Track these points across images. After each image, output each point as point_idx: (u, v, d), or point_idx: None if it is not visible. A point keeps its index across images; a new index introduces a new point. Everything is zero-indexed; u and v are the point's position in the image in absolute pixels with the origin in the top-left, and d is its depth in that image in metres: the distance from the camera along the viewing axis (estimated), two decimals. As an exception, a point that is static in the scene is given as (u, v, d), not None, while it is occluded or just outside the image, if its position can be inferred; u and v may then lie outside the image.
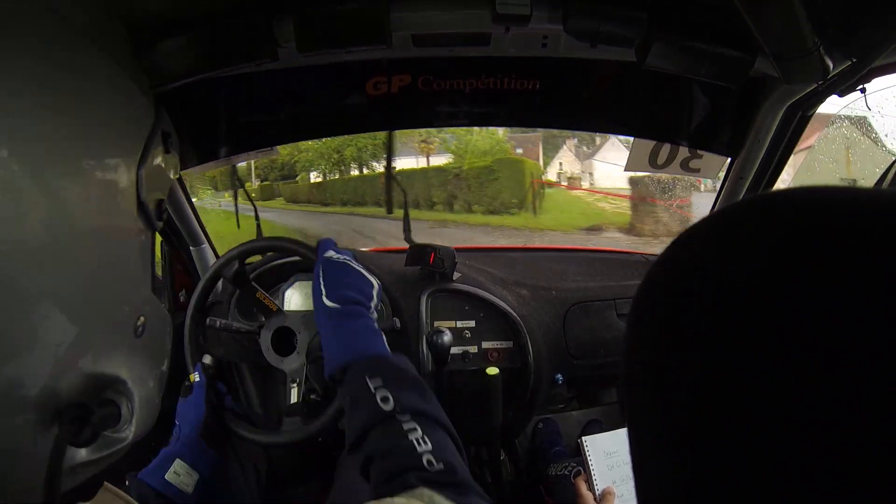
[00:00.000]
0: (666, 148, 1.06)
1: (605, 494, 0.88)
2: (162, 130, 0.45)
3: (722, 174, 1.07)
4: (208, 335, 0.99)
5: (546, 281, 1.29)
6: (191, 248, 1.26)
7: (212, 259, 1.29)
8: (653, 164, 1.09)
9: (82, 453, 0.33)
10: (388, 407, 0.58)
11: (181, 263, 1.28)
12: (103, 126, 0.37)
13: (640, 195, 6.90)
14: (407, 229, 1.39)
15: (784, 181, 1.05)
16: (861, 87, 0.73)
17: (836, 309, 0.16)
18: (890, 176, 0.57)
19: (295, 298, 1.21)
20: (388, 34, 0.71)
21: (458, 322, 1.16)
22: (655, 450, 0.21)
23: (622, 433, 0.93)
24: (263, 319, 1.01)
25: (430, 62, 0.94)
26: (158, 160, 0.43)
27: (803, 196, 0.19)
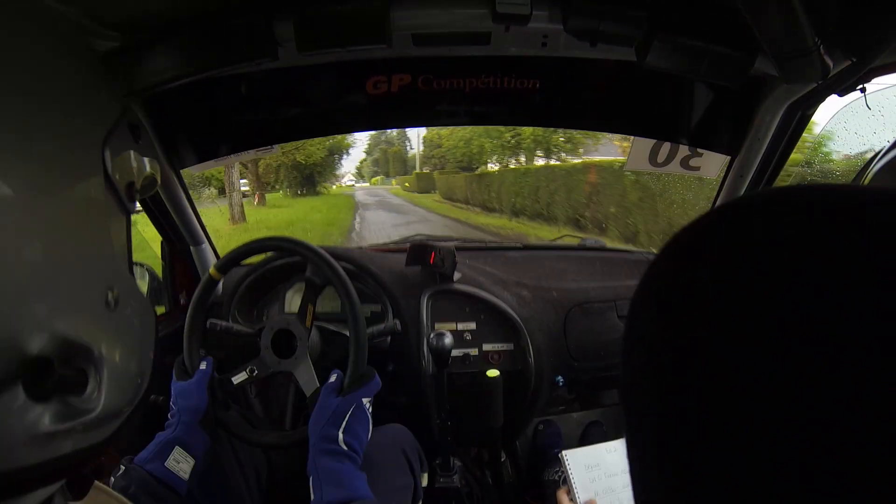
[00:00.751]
0: (666, 146, 1.07)
1: None
2: (129, 122, 0.47)
3: (722, 173, 1.08)
4: (208, 338, 0.99)
5: (547, 281, 1.29)
6: (191, 247, 1.26)
7: (212, 258, 1.29)
8: (653, 162, 1.09)
9: (45, 421, 0.33)
10: None
11: (181, 264, 1.28)
12: (61, 110, 0.39)
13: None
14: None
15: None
16: (861, 86, 0.73)
17: (839, 307, 0.16)
18: (869, 175, 0.57)
19: (296, 299, 1.21)
20: (388, 33, 0.71)
21: (458, 324, 1.16)
22: (654, 453, 0.21)
23: (603, 447, 0.94)
24: (264, 321, 1.01)
25: (430, 61, 0.94)
26: (125, 147, 0.45)
27: (803, 194, 0.19)
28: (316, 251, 0.96)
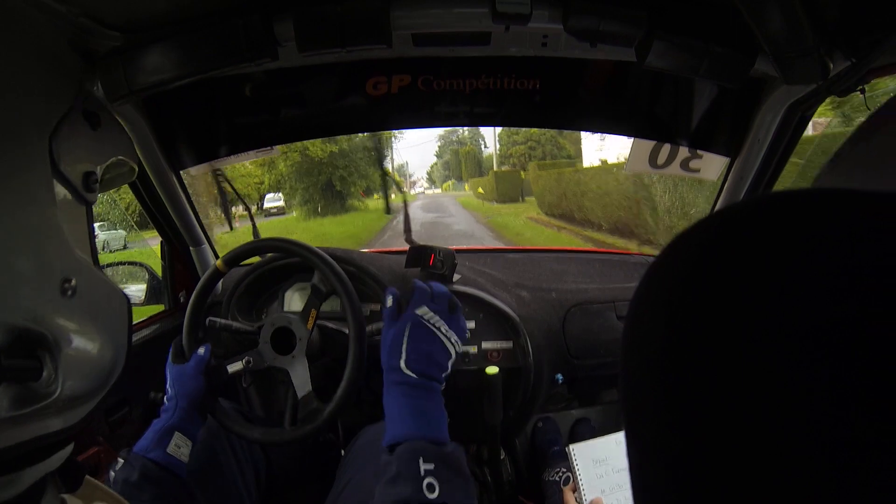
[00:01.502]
0: (666, 148, 1.07)
1: None
2: (85, 110, 0.46)
3: (722, 175, 1.08)
4: (208, 336, 0.99)
5: (546, 282, 1.29)
6: (191, 248, 1.26)
7: (211, 259, 1.29)
8: (653, 164, 1.09)
9: (3, 404, 0.34)
10: (432, 495, 0.57)
11: (181, 263, 1.29)
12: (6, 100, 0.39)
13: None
14: (407, 230, 1.40)
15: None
16: (861, 87, 0.73)
17: (837, 309, 0.16)
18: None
19: (295, 299, 1.21)
20: (388, 34, 0.71)
21: None
22: (654, 455, 0.21)
23: (611, 440, 0.92)
24: (263, 320, 1.01)
25: (430, 62, 0.94)
26: (80, 135, 0.44)
27: (806, 196, 0.19)
28: (316, 252, 0.96)
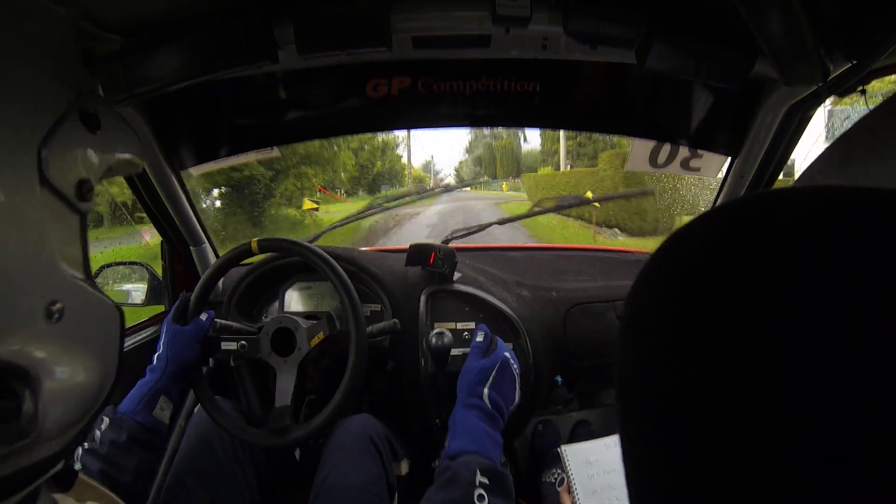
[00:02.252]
0: (666, 148, 1.06)
1: None
2: (81, 112, 0.42)
3: (722, 174, 1.08)
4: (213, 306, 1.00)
5: (546, 281, 1.29)
6: (191, 247, 1.26)
7: (212, 259, 1.29)
8: (653, 163, 1.09)
9: None
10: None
11: (181, 264, 1.29)
12: None
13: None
14: None
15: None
16: (861, 88, 0.73)
17: (840, 308, 0.16)
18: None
19: (295, 299, 1.21)
20: (388, 36, 0.71)
21: (458, 323, 1.16)
22: (651, 455, 0.21)
23: (602, 442, 0.93)
24: (264, 320, 1.01)
25: (430, 64, 0.94)
26: (76, 141, 0.41)
27: (803, 194, 0.19)
28: (317, 252, 0.96)
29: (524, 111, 1.01)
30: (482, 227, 1.39)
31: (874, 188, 0.18)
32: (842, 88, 0.71)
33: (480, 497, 0.65)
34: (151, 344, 1.17)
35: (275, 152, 1.10)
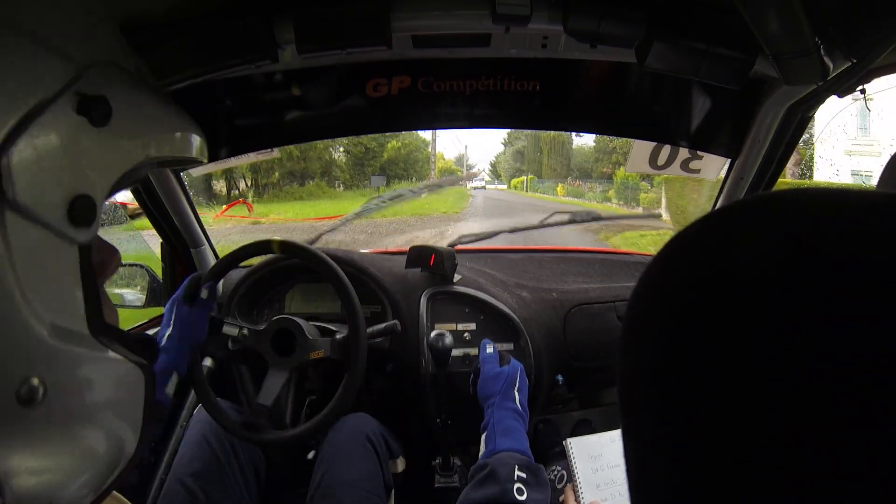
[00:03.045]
0: (666, 149, 1.07)
1: None
2: (81, 94, 0.30)
3: (722, 175, 1.08)
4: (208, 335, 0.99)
5: (547, 282, 1.29)
6: (191, 249, 1.26)
7: (212, 260, 1.29)
8: (653, 164, 1.09)
9: None
10: (521, 497, 0.67)
11: (181, 265, 1.28)
12: None
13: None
14: None
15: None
16: (861, 87, 0.73)
17: (841, 311, 0.16)
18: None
19: (295, 300, 1.21)
20: (388, 36, 0.71)
21: (458, 324, 1.16)
22: (653, 456, 0.20)
23: (607, 436, 0.93)
24: (264, 321, 1.01)
25: (430, 63, 0.94)
26: (65, 139, 0.29)
27: (804, 196, 0.19)
28: (316, 254, 0.96)
29: (524, 111, 1.01)
30: (489, 235, 1.41)
31: (876, 191, 0.18)
32: (842, 87, 0.71)
33: (519, 491, 0.68)
34: None
35: (275, 153, 1.10)
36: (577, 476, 0.88)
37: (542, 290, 1.25)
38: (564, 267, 1.39)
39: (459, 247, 1.41)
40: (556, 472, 1.01)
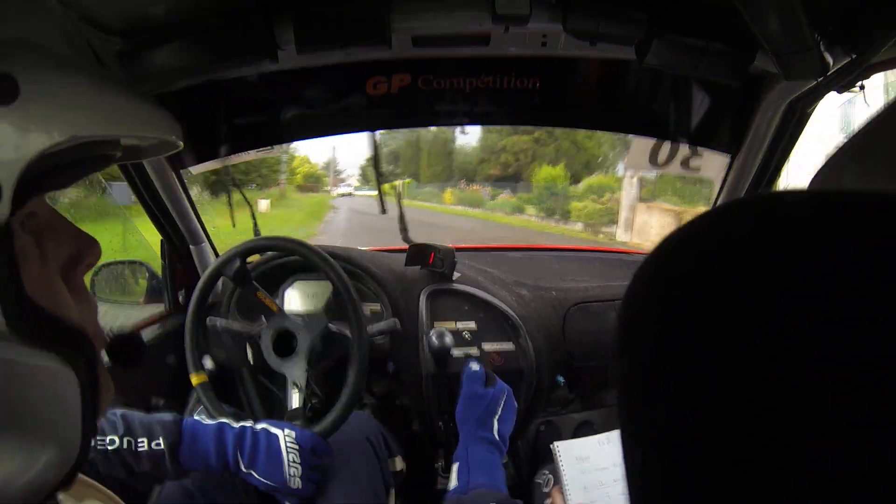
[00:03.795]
0: (666, 146, 1.07)
1: None
2: None
3: (722, 172, 1.08)
4: (209, 336, 0.99)
5: (546, 281, 1.29)
6: (191, 246, 1.26)
7: (212, 258, 1.29)
8: (653, 162, 1.09)
9: None
10: None
11: (181, 262, 1.29)
12: None
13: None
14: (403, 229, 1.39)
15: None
16: (860, 83, 0.73)
17: (840, 310, 0.16)
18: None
19: (295, 299, 1.21)
20: (387, 35, 0.71)
21: (458, 323, 1.16)
22: (652, 457, 0.20)
23: (595, 439, 0.94)
24: (264, 321, 1.01)
25: (431, 62, 0.94)
26: None
27: (804, 196, 0.19)
28: (316, 252, 0.96)
29: (524, 109, 1.01)
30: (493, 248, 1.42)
31: (872, 191, 0.18)
32: (842, 83, 0.71)
33: None
34: (153, 345, 1.17)
35: (274, 151, 1.10)
36: (564, 478, 0.89)
37: (541, 289, 1.25)
38: (564, 265, 1.39)
39: (457, 245, 1.41)
40: (544, 476, 1.02)
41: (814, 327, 0.16)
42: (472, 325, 1.16)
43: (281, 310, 1.08)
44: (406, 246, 1.24)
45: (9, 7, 0.31)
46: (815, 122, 0.90)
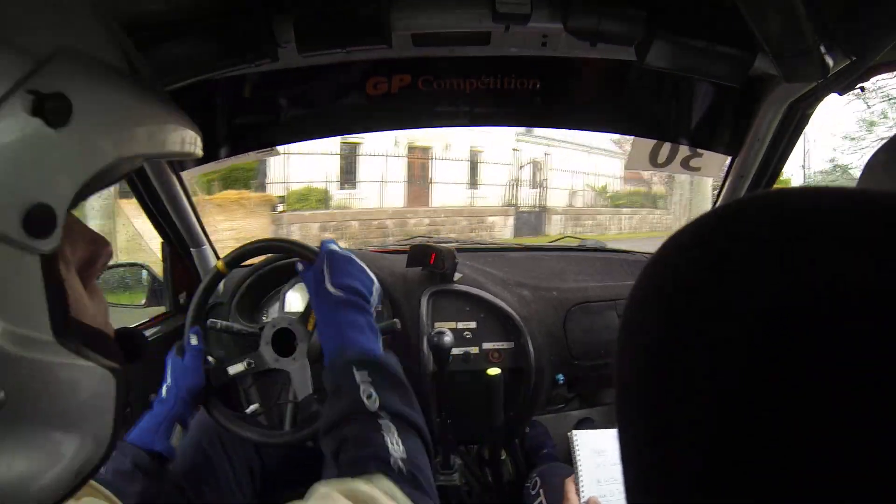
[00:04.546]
0: (666, 147, 1.07)
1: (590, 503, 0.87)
2: (35, 92, 0.26)
3: (722, 173, 1.08)
4: (209, 337, 0.99)
5: (547, 281, 1.29)
6: (191, 249, 1.26)
7: (212, 260, 1.29)
8: (653, 162, 1.09)
9: None
10: (371, 403, 0.57)
11: (182, 265, 1.29)
12: None
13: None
14: None
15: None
16: (860, 85, 0.73)
17: (840, 315, 0.16)
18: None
19: (295, 300, 1.21)
20: (388, 34, 0.71)
21: (458, 323, 1.16)
22: (650, 457, 0.20)
23: (613, 432, 0.92)
24: (264, 321, 1.01)
25: (431, 62, 0.94)
26: (18, 143, 0.26)
27: (804, 195, 0.19)
28: (317, 252, 0.96)
29: (524, 109, 1.01)
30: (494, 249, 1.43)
31: (876, 191, 0.18)
32: (842, 85, 0.71)
33: (369, 395, 0.58)
34: (153, 345, 1.17)
35: (274, 152, 1.10)
36: (579, 469, 0.87)
37: (542, 289, 1.25)
38: (564, 266, 1.39)
39: (459, 246, 1.41)
40: (532, 480, 1.01)
41: (815, 327, 0.16)
42: (472, 324, 1.16)
43: (283, 308, 1.08)
44: (407, 248, 1.24)
45: (50, 12, 0.29)
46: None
